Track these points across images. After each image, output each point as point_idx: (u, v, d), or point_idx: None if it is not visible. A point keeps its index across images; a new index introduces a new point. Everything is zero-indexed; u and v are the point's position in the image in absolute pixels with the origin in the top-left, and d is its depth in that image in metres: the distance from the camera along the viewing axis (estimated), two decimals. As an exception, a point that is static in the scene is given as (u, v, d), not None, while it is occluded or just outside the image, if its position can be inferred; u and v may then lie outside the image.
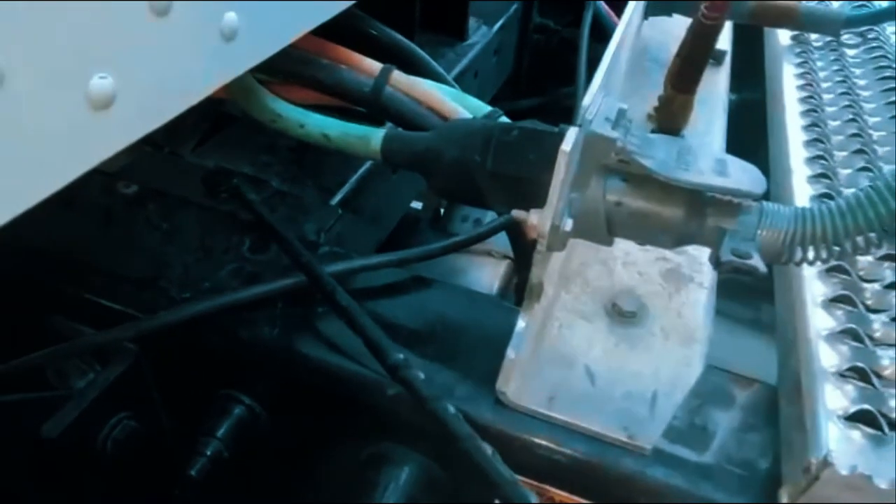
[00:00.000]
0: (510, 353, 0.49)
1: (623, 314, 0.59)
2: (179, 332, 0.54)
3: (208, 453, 0.53)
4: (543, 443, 0.49)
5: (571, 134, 0.43)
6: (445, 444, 0.47)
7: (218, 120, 0.79)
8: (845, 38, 0.94)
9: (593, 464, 0.48)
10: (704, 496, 0.46)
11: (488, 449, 0.45)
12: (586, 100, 0.46)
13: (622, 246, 0.61)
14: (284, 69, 0.65)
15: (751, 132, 0.87)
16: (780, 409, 0.51)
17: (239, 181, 0.65)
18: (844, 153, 0.70)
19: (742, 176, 0.47)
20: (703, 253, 0.49)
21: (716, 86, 0.95)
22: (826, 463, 0.41)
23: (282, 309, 0.57)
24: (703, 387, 0.53)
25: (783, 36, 0.97)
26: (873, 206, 0.43)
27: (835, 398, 0.46)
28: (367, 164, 0.77)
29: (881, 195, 0.42)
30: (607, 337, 0.57)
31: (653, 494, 0.47)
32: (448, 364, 0.54)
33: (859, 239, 0.44)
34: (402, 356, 0.50)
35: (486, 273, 0.83)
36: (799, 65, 0.89)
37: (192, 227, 0.64)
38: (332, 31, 0.59)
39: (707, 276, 0.64)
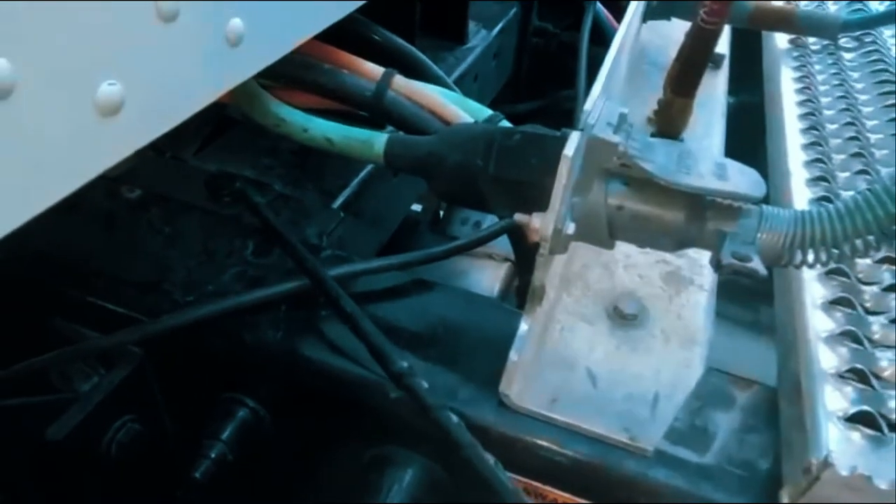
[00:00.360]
0: (513, 355, 0.49)
1: (624, 317, 0.59)
2: (183, 335, 0.54)
3: (212, 456, 0.54)
4: (546, 444, 0.50)
5: (573, 138, 0.44)
6: (448, 449, 0.47)
7: (220, 124, 0.79)
8: (843, 41, 0.94)
9: (595, 465, 0.49)
10: (705, 497, 0.47)
11: (490, 458, 0.46)
12: (588, 104, 0.46)
13: (623, 249, 0.61)
14: (287, 74, 0.65)
15: (749, 135, 0.88)
16: (780, 411, 0.51)
17: (242, 184, 0.65)
18: (842, 156, 0.71)
19: (741, 179, 0.47)
20: (703, 256, 0.49)
21: (714, 89, 0.95)
22: (826, 463, 0.41)
23: (285, 312, 0.57)
24: (703, 388, 0.53)
25: (781, 39, 0.97)
26: (872, 210, 0.43)
27: (834, 399, 0.46)
28: (368, 168, 0.77)
29: (880, 198, 0.43)
30: (608, 339, 0.57)
31: (654, 495, 0.48)
32: (450, 367, 0.54)
33: (858, 242, 0.44)
34: (406, 364, 0.50)
35: (487, 276, 0.83)
36: (797, 68, 0.89)
37: (195, 231, 0.64)
38: (334, 35, 0.59)
39: (707, 278, 0.64)
